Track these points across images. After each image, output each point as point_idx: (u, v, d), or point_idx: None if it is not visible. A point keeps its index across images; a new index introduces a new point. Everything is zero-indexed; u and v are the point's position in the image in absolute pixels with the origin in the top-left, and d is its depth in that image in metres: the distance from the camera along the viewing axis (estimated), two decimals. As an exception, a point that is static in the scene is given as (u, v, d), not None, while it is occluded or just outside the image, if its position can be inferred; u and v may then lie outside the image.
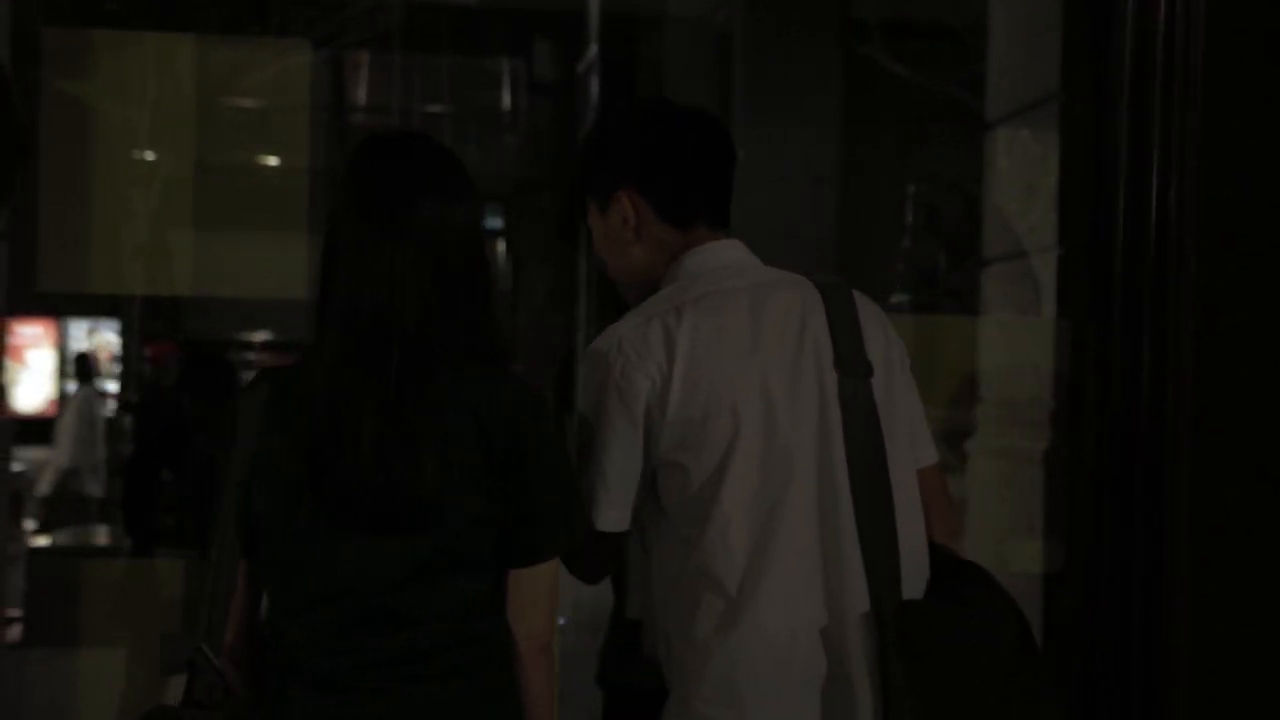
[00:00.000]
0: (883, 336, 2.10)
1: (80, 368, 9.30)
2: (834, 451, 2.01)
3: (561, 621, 4.62)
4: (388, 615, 1.85)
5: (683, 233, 2.15)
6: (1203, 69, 2.72)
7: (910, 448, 2.11)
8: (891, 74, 8.75)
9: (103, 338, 13.01)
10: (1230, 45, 2.74)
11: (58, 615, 4.28)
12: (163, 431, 4.86)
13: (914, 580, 2.04)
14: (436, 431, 1.82)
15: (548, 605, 1.93)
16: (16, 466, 7.75)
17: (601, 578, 2.17)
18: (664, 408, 2.01)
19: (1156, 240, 2.75)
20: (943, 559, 2.10)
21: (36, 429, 10.84)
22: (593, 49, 12.82)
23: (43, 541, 7.22)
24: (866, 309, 2.12)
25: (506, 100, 14.22)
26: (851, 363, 2.04)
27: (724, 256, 2.14)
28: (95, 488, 8.62)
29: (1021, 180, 3.80)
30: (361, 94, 13.56)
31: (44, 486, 8.76)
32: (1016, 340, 3.88)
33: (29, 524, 7.91)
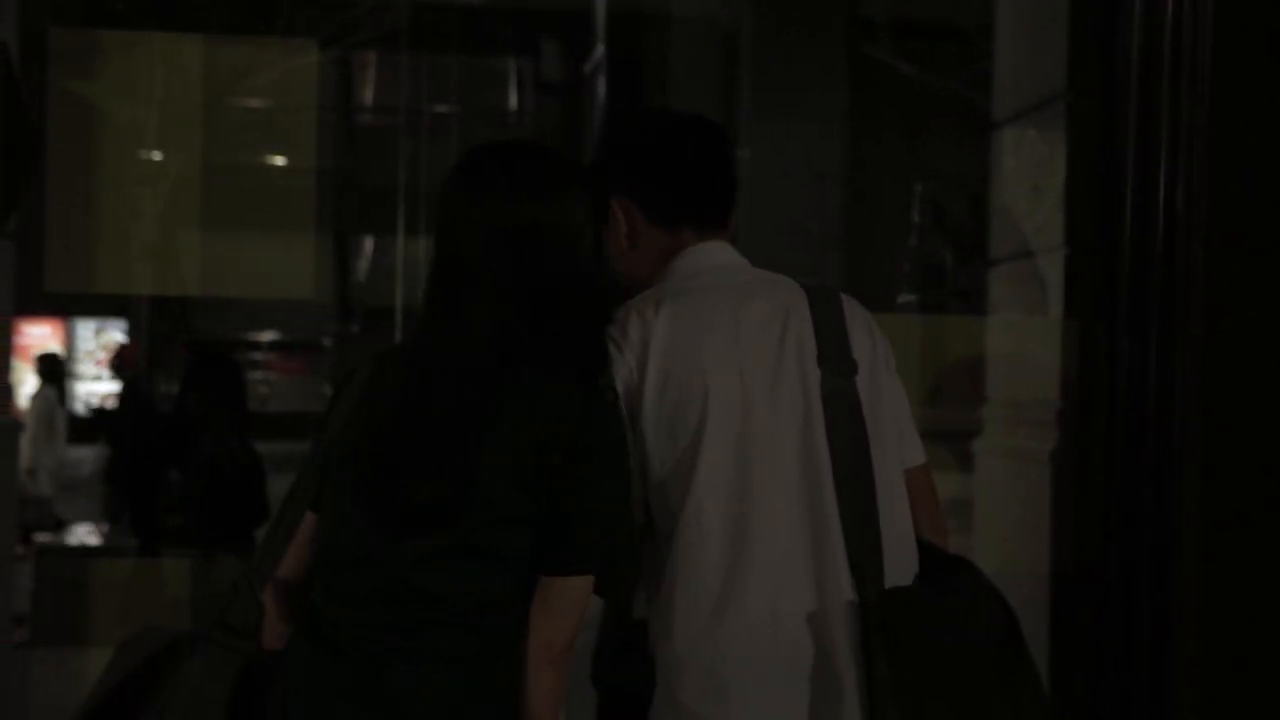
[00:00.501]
0: (869, 338, 2.13)
1: (44, 368, 9.27)
2: (817, 444, 2.03)
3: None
4: (411, 588, 1.88)
5: (672, 235, 2.18)
6: (1210, 67, 2.72)
7: (897, 446, 2.13)
8: (897, 72, 8.75)
9: (110, 337, 13.03)
10: (1238, 43, 2.74)
11: (64, 615, 4.29)
12: (168, 431, 4.86)
13: (900, 573, 2.05)
14: (486, 443, 1.86)
15: (571, 620, 1.92)
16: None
17: (624, 586, 2.15)
18: (640, 398, 2.03)
19: (1164, 239, 2.74)
20: (929, 554, 2.12)
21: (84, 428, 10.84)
22: (599, 49, 12.83)
23: None
24: (853, 311, 2.15)
25: (513, 100, 14.23)
26: (835, 361, 2.07)
27: (713, 258, 2.18)
28: (48, 489, 8.67)
29: (1028, 180, 3.80)
30: (368, 94, 13.58)
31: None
32: (1024, 340, 3.87)
33: None
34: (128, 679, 1.95)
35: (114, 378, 9.14)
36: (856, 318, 2.14)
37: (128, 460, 9.01)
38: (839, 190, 8.42)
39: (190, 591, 4.17)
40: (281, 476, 2.50)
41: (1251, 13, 2.75)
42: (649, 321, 2.06)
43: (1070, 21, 3.43)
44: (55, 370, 9.52)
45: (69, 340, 13.73)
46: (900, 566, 2.05)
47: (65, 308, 12.55)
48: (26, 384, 9.41)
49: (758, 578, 2.00)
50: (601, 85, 12.84)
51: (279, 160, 4.15)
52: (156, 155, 3.92)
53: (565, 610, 1.92)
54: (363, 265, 14.60)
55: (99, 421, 10.57)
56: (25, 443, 8.66)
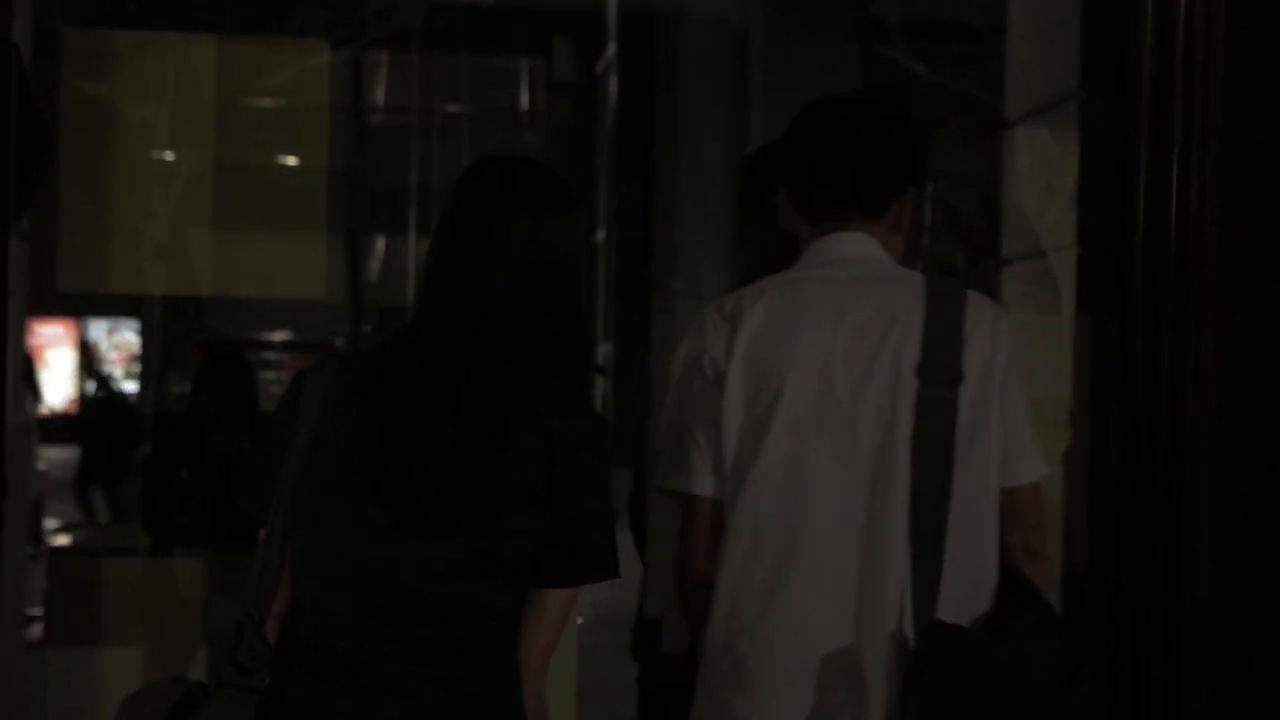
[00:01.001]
0: (989, 345, 2.04)
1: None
2: (897, 455, 1.97)
3: (580, 621, 4.61)
4: (420, 605, 1.85)
5: (813, 222, 2.15)
6: (1223, 66, 2.71)
7: (999, 463, 2.05)
8: (909, 72, 8.74)
9: (123, 337, 13.05)
10: (1251, 41, 2.73)
11: (77, 614, 4.30)
12: (181, 431, 4.87)
13: (969, 601, 1.99)
14: (510, 444, 1.85)
15: (560, 628, 1.95)
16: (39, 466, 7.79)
17: (704, 556, 2.10)
18: (725, 381, 2.02)
19: (1177, 238, 2.74)
20: (1008, 583, 2.04)
21: (58, 428, 10.88)
22: (611, 48, 12.83)
23: None
24: (978, 314, 2.05)
25: (525, 100, 14.23)
26: (939, 369, 1.99)
27: (841, 249, 2.11)
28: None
29: (1041, 179, 3.79)
30: (380, 94, 13.58)
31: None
32: (1036, 339, 3.87)
33: None
34: None
35: (87, 378, 9.16)
36: (981, 321, 2.05)
37: (99, 460, 9.04)
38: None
39: (202, 591, 4.17)
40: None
41: (1264, 12, 2.74)
42: (749, 307, 2.04)
43: (1082, 21, 3.43)
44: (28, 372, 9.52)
45: (81, 340, 13.76)
46: (970, 593, 1.99)
47: (77, 307, 12.57)
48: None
49: (802, 582, 1.97)
50: (613, 85, 12.84)
51: (291, 160, 4.15)
52: (168, 155, 3.92)
53: (557, 621, 1.93)
54: (375, 265, 14.61)
55: (72, 422, 10.59)
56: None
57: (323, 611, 1.88)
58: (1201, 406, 2.70)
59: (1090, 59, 3.39)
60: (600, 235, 13.36)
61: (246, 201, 3.95)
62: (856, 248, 2.11)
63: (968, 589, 2.00)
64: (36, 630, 4.55)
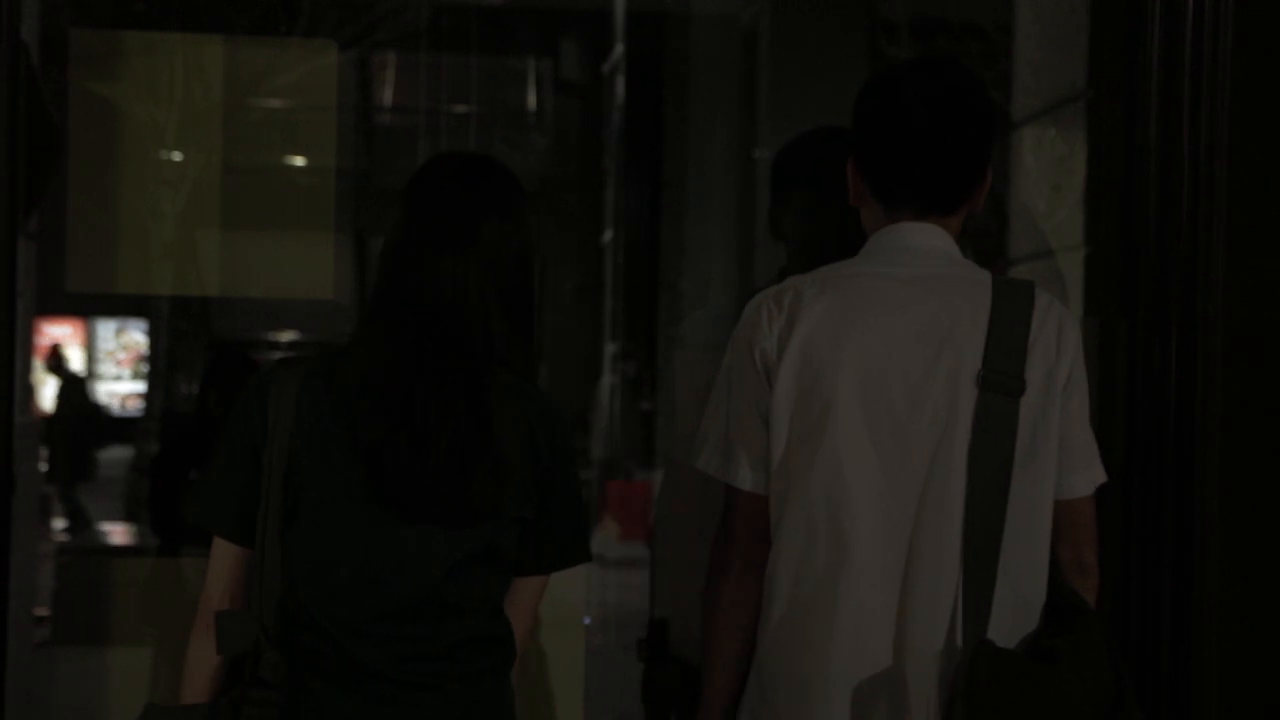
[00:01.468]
0: (1054, 350, 1.97)
1: None
2: (953, 465, 1.91)
3: (586, 621, 4.62)
4: (438, 602, 1.86)
5: (887, 211, 2.06)
6: (1232, 64, 2.70)
7: (1055, 474, 1.99)
8: (918, 72, 8.72)
9: (130, 337, 13.07)
10: (1260, 40, 2.72)
11: (85, 614, 4.30)
12: (189, 431, 4.87)
13: (1014, 617, 1.94)
14: (504, 436, 1.88)
15: (534, 614, 2.01)
16: (43, 466, 7.79)
17: (758, 548, 2.02)
18: (775, 376, 1.96)
19: (1185, 239, 2.73)
20: (1058, 598, 1.99)
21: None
22: (618, 48, 12.83)
23: None
24: (1045, 318, 1.98)
25: (532, 100, 14.23)
26: (1001, 377, 1.92)
27: (910, 240, 2.03)
28: None
29: (1048, 179, 3.79)
30: (387, 95, 13.59)
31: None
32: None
33: None
34: None
35: (49, 375, 9.14)
36: (1047, 325, 1.98)
37: (73, 459, 9.02)
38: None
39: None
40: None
41: (1273, 11, 2.73)
42: (807, 302, 1.96)
43: (1090, 20, 3.42)
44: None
45: (89, 340, 13.77)
46: (1020, 608, 1.94)
47: (85, 307, 12.59)
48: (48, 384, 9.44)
49: (852, 591, 1.91)
50: (621, 85, 12.85)
51: (299, 160, 4.16)
52: (176, 156, 3.93)
53: (534, 607, 1.99)
54: (382, 265, 14.58)
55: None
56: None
57: (334, 618, 1.86)
58: (1210, 407, 2.70)
59: (1098, 58, 3.38)
60: (608, 236, 13.36)
61: (254, 202, 3.96)
62: (924, 238, 2.03)
63: (1018, 605, 1.95)
64: (44, 630, 4.56)
